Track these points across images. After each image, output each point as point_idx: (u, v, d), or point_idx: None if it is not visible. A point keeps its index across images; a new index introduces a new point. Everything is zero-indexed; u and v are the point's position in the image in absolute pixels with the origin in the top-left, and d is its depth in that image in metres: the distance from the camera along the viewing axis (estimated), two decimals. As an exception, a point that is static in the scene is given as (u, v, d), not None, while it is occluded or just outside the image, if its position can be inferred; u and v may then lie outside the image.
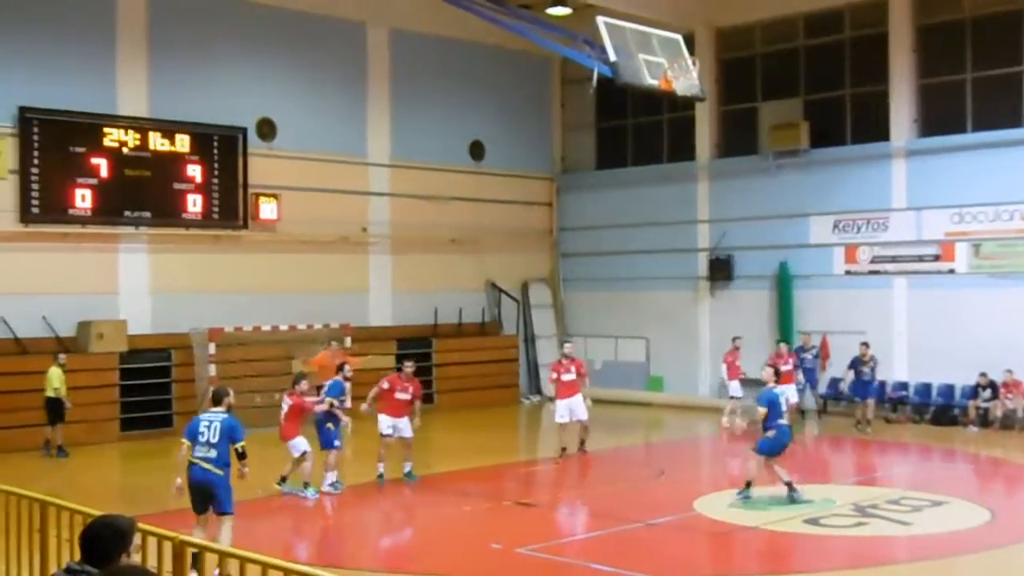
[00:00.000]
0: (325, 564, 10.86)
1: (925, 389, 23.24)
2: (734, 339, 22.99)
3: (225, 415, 11.48)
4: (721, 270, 26.48)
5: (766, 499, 15.13)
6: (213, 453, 11.07)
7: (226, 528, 10.98)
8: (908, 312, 23.88)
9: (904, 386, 23.77)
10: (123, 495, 15.33)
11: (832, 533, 13.31)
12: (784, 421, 15.13)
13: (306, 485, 15.49)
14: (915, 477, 18.04)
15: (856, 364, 22.21)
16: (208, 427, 11.24)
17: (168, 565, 6.80)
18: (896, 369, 23.90)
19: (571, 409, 18.31)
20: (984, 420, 21.93)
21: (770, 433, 14.96)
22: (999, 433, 21.50)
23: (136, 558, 5.72)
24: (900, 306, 24.02)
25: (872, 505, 14.53)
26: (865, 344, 22.29)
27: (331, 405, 15.85)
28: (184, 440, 11.32)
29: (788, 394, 19.20)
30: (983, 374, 21.95)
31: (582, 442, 18.61)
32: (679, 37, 18.38)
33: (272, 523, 14.30)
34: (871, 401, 22.12)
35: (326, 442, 15.88)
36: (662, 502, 15.40)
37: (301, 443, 15.46)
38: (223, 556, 6.63)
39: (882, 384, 23.86)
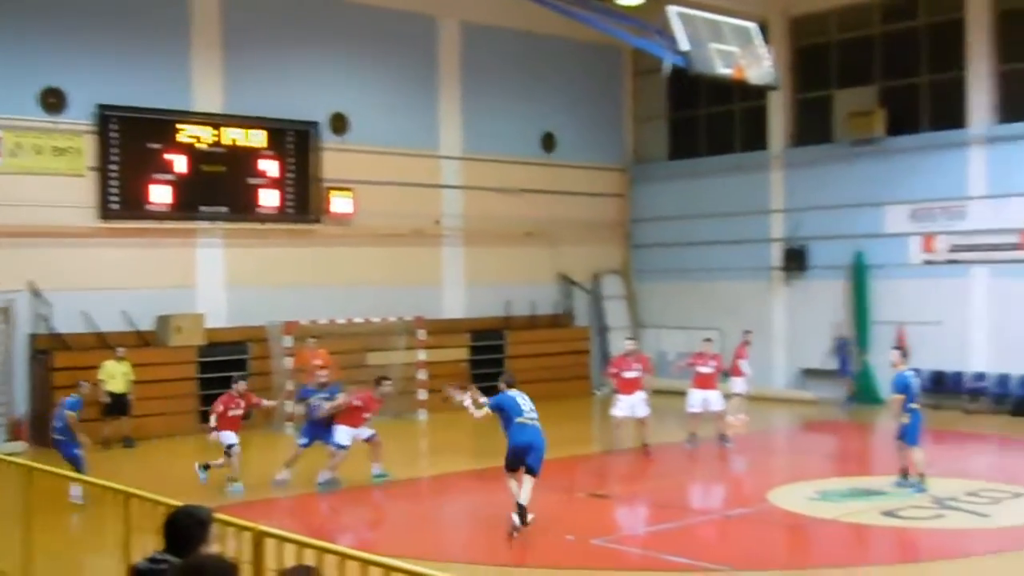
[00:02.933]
0: (401, 555, 10.97)
1: (1004, 380, 22.75)
2: (745, 332, 22.66)
3: None
4: (795, 260, 26.19)
5: (843, 491, 14.97)
6: (535, 414, 12.98)
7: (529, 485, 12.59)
8: (987, 301, 23.42)
9: (982, 376, 23.33)
10: (203, 486, 15.59)
11: (910, 525, 13.14)
12: (916, 405, 14.84)
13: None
14: (994, 468, 17.71)
15: None
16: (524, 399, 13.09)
17: (247, 555, 6.91)
18: (975, 359, 23.46)
19: (632, 406, 18.23)
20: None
21: (905, 419, 14.73)
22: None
23: (215, 547, 5.84)
24: (979, 295, 23.57)
25: (951, 497, 14.30)
26: None
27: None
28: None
29: None
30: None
31: (644, 443, 18.43)
32: (752, 25, 18.20)
33: (346, 512, 14.45)
34: None
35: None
36: (737, 494, 15.31)
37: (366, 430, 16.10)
38: (301, 546, 6.73)
39: (960, 374, 23.48)
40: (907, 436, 14.85)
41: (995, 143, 23.32)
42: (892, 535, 12.97)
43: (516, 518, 12.58)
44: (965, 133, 23.67)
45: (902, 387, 14.76)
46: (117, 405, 19.79)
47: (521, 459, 12.73)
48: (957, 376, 23.59)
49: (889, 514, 13.58)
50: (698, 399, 19.04)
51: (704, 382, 19.03)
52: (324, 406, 16.06)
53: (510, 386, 13.28)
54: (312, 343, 21.21)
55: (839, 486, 15.41)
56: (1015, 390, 22.70)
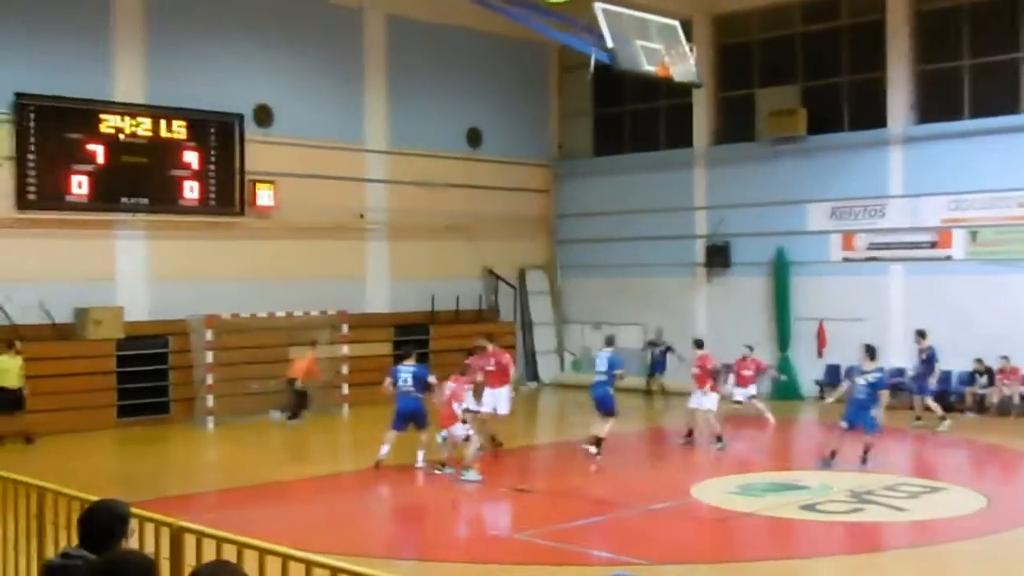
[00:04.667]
0: (322, 551, 10.86)
1: (920, 376, 23.16)
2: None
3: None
4: (718, 257, 26.49)
5: (764, 485, 15.18)
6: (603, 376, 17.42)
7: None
8: (904, 299, 23.91)
9: (901, 372, 23.77)
10: (120, 481, 15.34)
11: (829, 519, 13.35)
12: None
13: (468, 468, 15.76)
14: (911, 463, 18.09)
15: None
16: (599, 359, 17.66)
17: (166, 551, 6.80)
18: (893, 356, 23.91)
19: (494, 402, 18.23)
20: (981, 406, 21.98)
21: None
22: (995, 419, 21.55)
23: (133, 543, 5.73)
24: (897, 293, 24.05)
25: (868, 491, 14.57)
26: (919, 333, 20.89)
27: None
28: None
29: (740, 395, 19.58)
30: (979, 360, 21.99)
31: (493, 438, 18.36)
32: (677, 23, 18.32)
33: (265, 508, 14.31)
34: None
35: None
36: (659, 489, 15.43)
37: (462, 427, 15.86)
38: (220, 542, 6.63)
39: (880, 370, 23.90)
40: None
41: (913, 143, 23.81)
42: (811, 528, 13.17)
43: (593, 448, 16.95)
44: (885, 133, 24.12)
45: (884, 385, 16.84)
46: (11, 401, 18.91)
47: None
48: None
49: (808, 508, 13.80)
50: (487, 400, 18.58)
51: (492, 381, 18.49)
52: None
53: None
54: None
55: (760, 480, 15.62)
56: (935, 388, 23.12)
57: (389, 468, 16.38)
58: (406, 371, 16.73)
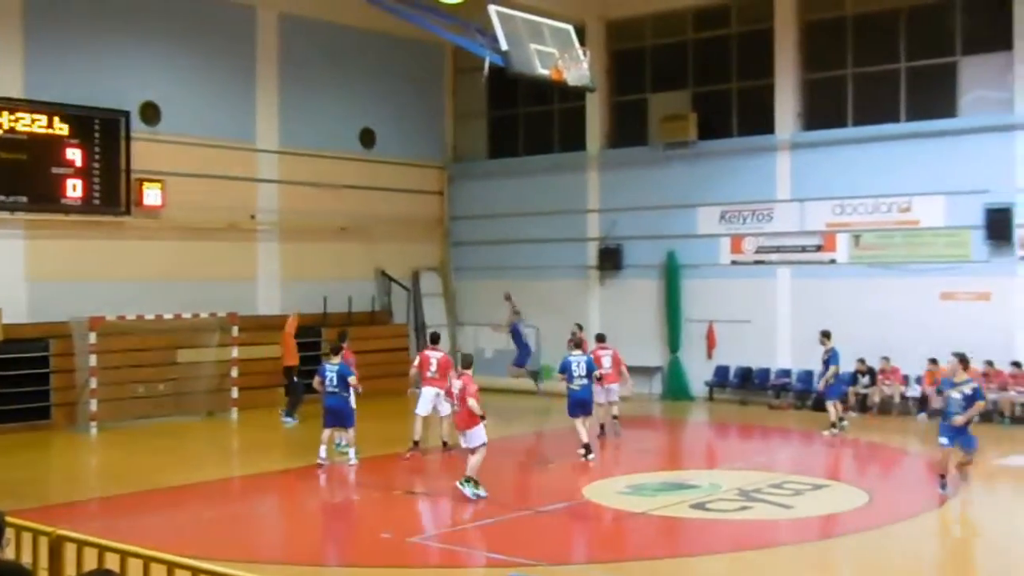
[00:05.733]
0: (212, 557, 10.65)
1: (807, 376, 23.76)
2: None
3: None
4: (611, 259, 26.75)
5: (655, 485, 15.35)
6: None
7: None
8: (791, 301, 24.43)
9: (787, 373, 24.32)
10: (-2, 489, 14.81)
11: (717, 517, 13.55)
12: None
13: (470, 480, 14.35)
14: (797, 462, 18.48)
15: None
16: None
17: (44, 561, 6.58)
18: (780, 357, 24.45)
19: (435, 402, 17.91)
20: (863, 406, 22.58)
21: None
22: (877, 418, 22.16)
23: (8, 553, 5.53)
24: (783, 295, 24.56)
25: (756, 489, 14.83)
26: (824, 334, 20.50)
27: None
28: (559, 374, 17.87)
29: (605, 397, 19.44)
30: (861, 361, 22.57)
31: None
32: (570, 27, 18.47)
33: (151, 514, 13.98)
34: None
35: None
36: (552, 490, 15.48)
37: (482, 433, 14.41)
38: (102, 550, 6.43)
39: (766, 371, 24.44)
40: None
41: (799, 149, 24.36)
42: (700, 527, 13.36)
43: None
44: (772, 139, 24.62)
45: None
46: None
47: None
48: (764, 373, 24.55)
49: (698, 506, 14.00)
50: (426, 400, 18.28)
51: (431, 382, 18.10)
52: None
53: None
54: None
55: (650, 480, 15.79)
56: (817, 386, 23.69)
57: (294, 470, 16.16)
58: (331, 370, 16.87)
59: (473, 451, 14.31)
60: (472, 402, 14.28)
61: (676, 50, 26.60)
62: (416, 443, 18.01)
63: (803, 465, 17.88)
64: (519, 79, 18.57)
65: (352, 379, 16.95)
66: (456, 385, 14.93)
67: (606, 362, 19.15)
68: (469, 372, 14.73)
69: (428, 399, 17.88)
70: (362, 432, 17.36)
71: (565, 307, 27.03)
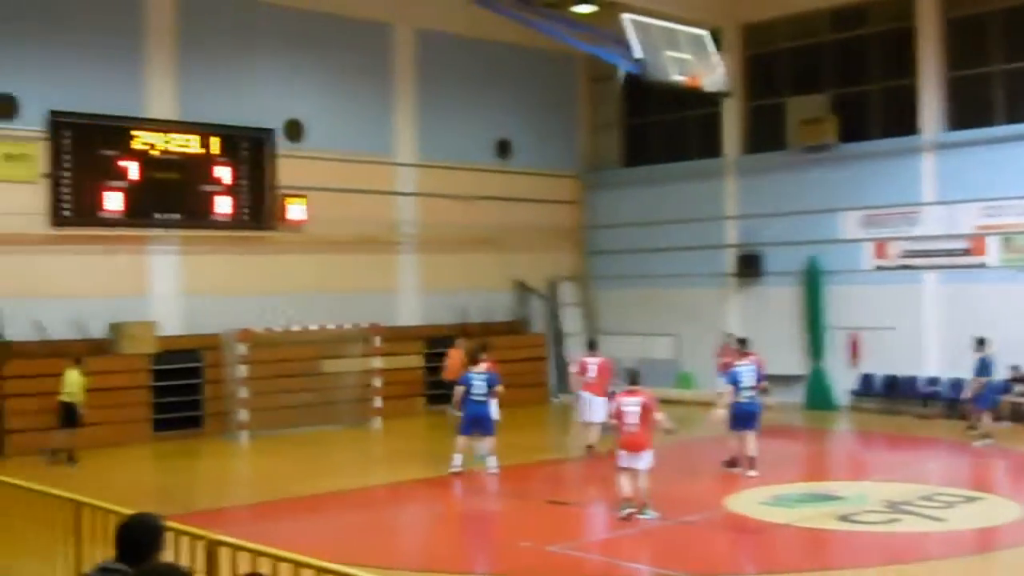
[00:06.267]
0: (355, 563, 10.89)
1: (956, 384, 23.00)
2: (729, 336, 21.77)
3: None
4: (749, 266, 26.38)
5: (797, 496, 15.07)
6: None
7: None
8: (938, 307, 23.70)
9: (935, 381, 23.58)
10: (155, 495, 15.43)
11: (865, 529, 13.23)
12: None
13: (644, 507, 13.78)
14: (947, 473, 17.92)
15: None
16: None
17: (201, 564, 6.83)
18: (927, 364, 23.74)
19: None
20: (1016, 415, 21.73)
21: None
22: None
23: (168, 556, 5.76)
24: (930, 301, 23.85)
25: (905, 501, 14.43)
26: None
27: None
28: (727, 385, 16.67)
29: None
30: (1015, 367, 21.75)
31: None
32: (705, 33, 18.34)
33: (299, 520, 14.36)
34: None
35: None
36: (694, 499, 15.33)
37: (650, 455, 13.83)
38: (255, 555, 6.65)
39: (913, 379, 23.74)
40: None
41: (945, 150, 23.63)
42: (847, 539, 13.06)
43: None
44: (916, 140, 23.96)
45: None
46: (70, 415, 18.83)
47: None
48: (911, 381, 23.85)
49: (844, 519, 13.69)
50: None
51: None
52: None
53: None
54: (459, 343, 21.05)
55: (792, 491, 15.51)
56: (963, 395, 22.93)
57: (421, 480, 16.38)
58: (478, 378, 17.12)
59: (640, 474, 13.61)
60: (660, 416, 13.73)
61: (813, 52, 26.12)
62: (590, 447, 18.33)
63: (954, 477, 17.32)
64: (654, 87, 18.49)
65: (499, 387, 17.14)
66: (627, 404, 13.76)
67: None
68: (643, 388, 13.92)
69: (586, 403, 18.44)
70: (501, 441, 17.50)
71: (703, 315, 26.78)
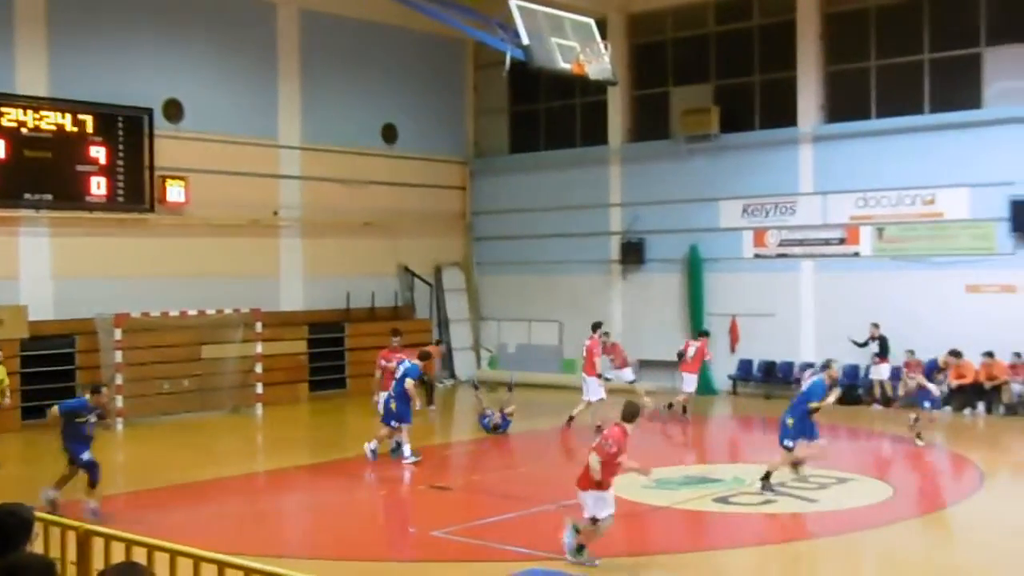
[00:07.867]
0: (235, 552, 10.71)
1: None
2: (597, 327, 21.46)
3: None
4: (633, 253, 26.70)
5: (678, 479, 15.31)
6: None
7: None
8: (814, 294, 24.34)
9: (811, 366, 24.16)
10: (25, 485, 14.92)
11: (741, 511, 13.52)
12: None
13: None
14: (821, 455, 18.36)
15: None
16: None
17: (72, 555, 6.63)
18: (804, 350, 24.35)
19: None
20: (887, 399, 22.44)
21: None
22: (901, 412, 21.98)
23: (37, 547, 5.58)
24: (807, 289, 24.47)
25: (780, 483, 14.77)
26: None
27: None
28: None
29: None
30: (911, 352, 22.33)
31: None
32: (591, 21, 18.44)
33: (177, 509, 14.06)
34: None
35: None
36: (574, 484, 15.44)
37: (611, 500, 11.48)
38: (130, 544, 6.48)
39: (790, 364, 24.32)
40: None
41: (822, 142, 24.25)
42: (724, 521, 13.33)
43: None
44: (795, 131, 24.52)
45: None
46: None
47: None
48: (787, 366, 24.44)
49: (721, 500, 13.97)
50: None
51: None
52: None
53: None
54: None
55: (674, 474, 15.76)
56: (840, 380, 23.56)
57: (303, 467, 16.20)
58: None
59: (596, 520, 11.26)
60: (622, 461, 11.26)
61: (698, 43, 26.52)
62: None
63: (828, 459, 17.78)
64: (540, 73, 18.57)
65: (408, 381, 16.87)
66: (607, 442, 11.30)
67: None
68: (628, 426, 11.43)
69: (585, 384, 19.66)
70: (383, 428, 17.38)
71: (587, 301, 27.02)
